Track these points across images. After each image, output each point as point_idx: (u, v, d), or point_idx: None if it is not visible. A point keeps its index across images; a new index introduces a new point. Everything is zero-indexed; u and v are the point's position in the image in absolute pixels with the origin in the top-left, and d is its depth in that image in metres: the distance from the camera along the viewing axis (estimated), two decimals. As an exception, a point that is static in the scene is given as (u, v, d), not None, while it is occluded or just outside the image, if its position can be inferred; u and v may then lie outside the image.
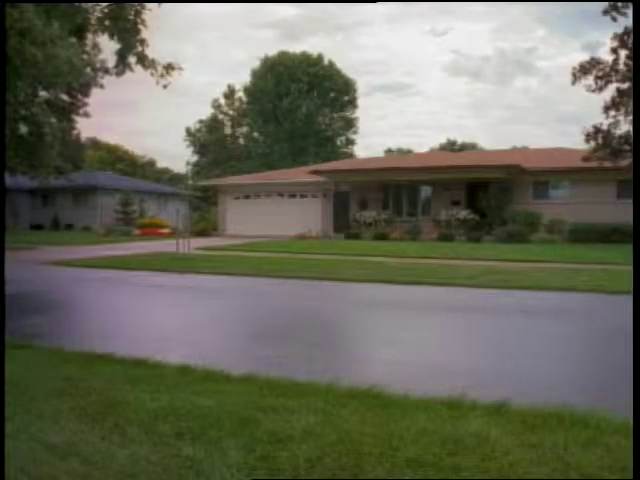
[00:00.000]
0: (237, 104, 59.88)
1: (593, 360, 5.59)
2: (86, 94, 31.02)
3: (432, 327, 7.28)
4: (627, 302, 7.11)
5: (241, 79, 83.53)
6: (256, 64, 55.66)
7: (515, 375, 4.77)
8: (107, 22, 7.22)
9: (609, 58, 20.58)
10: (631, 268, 7.20)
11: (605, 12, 19.87)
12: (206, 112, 63.96)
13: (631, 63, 19.32)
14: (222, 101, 59.80)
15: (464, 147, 57.59)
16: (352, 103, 56.59)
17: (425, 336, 6.64)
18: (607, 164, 20.88)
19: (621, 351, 5.31)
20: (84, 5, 7.31)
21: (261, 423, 3.06)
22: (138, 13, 7.30)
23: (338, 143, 57.45)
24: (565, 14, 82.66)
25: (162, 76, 7.71)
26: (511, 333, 6.80)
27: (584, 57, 62.80)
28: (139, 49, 7.41)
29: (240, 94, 58.73)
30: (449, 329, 7.15)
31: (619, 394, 4.00)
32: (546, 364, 5.15)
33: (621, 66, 20.31)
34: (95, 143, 58.01)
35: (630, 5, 18.98)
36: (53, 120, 27.29)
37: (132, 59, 7.48)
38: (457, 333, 6.88)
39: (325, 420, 3.12)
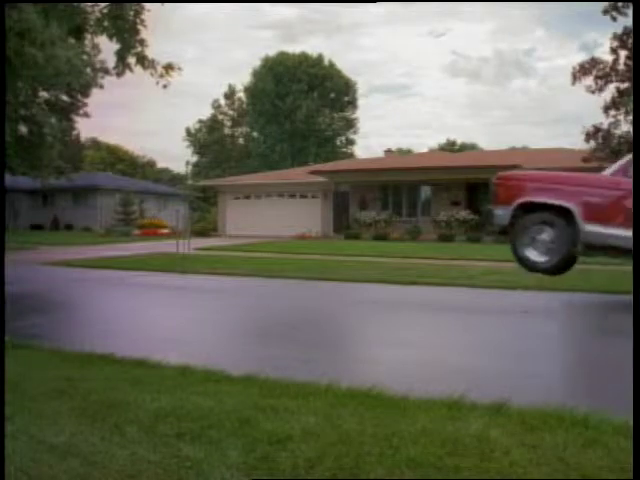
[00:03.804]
0: (237, 104, 59.88)
1: (587, 358, 5.58)
2: (86, 94, 31.03)
3: (431, 327, 7.28)
4: (623, 300, 7.11)
5: (241, 79, 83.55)
6: (256, 64, 55.70)
7: (514, 375, 4.77)
8: (106, 23, 7.22)
9: (609, 58, 20.60)
10: (630, 269, 7.24)
11: (605, 12, 19.85)
12: (206, 112, 64.05)
13: (631, 63, 19.32)
14: (222, 101, 59.86)
15: (464, 147, 57.59)
16: (352, 103, 56.60)
17: (424, 336, 6.64)
18: (607, 164, 20.84)
19: (610, 350, 5.31)
20: (82, 5, 7.31)
21: (261, 423, 3.06)
22: (137, 13, 7.30)
23: (338, 143, 57.44)
24: (563, 15, 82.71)
25: (162, 76, 7.71)
26: (511, 333, 6.79)
27: (582, 58, 62.79)
28: (138, 49, 7.41)
29: (240, 94, 58.81)
30: (448, 329, 7.15)
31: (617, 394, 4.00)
32: (543, 363, 5.15)
33: (621, 66, 20.31)
34: (95, 143, 57.98)
35: (630, 5, 18.98)
36: (53, 120, 27.30)
37: (131, 59, 7.48)
38: (457, 333, 6.87)
39: (325, 420, 3.12)
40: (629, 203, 7.53)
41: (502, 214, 8.52)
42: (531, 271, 8.49)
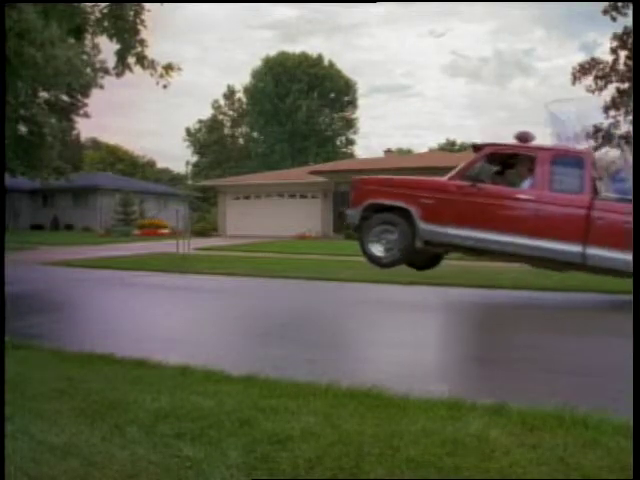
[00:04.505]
0: (237, 105, 59.88)
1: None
2: (86, 94, 31.02)
3: (431, 327, 7.28)
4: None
5: (240, 80, 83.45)
6: (256, 64, 55.72)
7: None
8: (106, 23, 7.23)
9: (609, 58, 20.59)
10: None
11: (605, 12, 19.85)
12: (206, 112, 64.06)
13: (631, 63, 19.32)
14: (222, 101, 59.86)
15: (464, 147, 57.55)
16: (352, 103, 56.61)
17: (424, 336, 6.64)
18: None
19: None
20: (82, 5, 7.31)
21: (261, 423, 3.06)
22: (137, 13, 7.31)
23: (338, 143, 57.44)
24: (563, 15, 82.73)
25: (162, 76, 7.73)
26: (512, 332, 6.80)
27: (582, 58, 62.81)
28: (138, 49, 7.41)
29: (240, 94, 58.80)
30: (448, 329, 7.15)
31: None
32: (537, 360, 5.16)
33: (621, 66, 20.30)
34: (95, 143, 57.99)
35: (630, 5, 18.97)
36: (53, 120, 27.28)
37: (131, 59, 7.49)
38: (456, 333, 6.88)
39: (325, 420, 3.12)
40: (459, 204, 8.32)
41: (353, 214, 9.23)
42: (379, 266, 9.16)
